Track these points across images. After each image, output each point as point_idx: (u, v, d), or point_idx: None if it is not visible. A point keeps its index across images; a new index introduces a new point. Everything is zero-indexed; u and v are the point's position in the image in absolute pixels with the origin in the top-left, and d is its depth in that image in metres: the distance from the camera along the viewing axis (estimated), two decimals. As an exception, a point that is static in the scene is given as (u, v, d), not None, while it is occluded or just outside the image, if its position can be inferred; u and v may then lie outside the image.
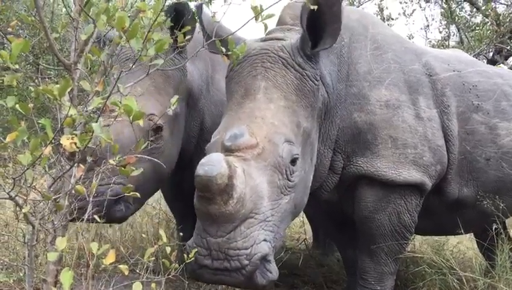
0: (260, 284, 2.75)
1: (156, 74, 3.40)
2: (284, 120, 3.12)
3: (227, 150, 2.88)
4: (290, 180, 3.02)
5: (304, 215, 5.95)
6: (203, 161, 2.72)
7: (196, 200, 2.79)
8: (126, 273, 2.31)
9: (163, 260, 2.72)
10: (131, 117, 2.03)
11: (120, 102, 2.07)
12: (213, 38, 2.98)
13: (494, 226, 3.93)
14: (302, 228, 6.03)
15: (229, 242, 2.69)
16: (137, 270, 2.73)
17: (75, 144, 1.94)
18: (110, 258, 2.22)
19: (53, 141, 2.05)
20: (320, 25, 3.22)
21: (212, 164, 2.64)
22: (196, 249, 2.74)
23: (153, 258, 2.62)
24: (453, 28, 12.97)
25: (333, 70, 3.63)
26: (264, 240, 2.78)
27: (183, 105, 4.11)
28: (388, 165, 3.58)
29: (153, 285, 2.40)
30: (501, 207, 3.90)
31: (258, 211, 2.79)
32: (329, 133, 3.60)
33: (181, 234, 4.41)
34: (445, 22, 12.89)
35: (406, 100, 3.72)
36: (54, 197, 2.33)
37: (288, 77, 3.27)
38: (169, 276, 2.76)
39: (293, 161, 3.04)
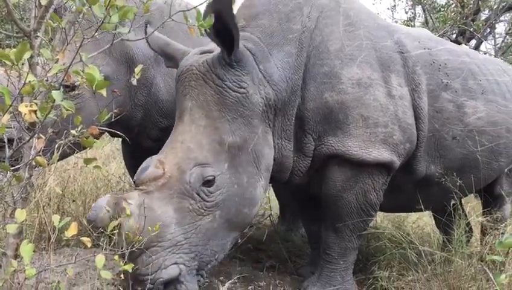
0: None
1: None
2: (201, 142, 3.16)
3: (135, 185, 3.09)
4: (207, 201, 3.10)
5: (271, 192, 6.01)
6: (93, 205, 2.92)
7: None
8: (89, 245, 2.29)
9: (126, 232, 2.70)
10: (94, 86, 1.98)
11: (82, 71, 2.02)
12: (179, 10, 2.91)
13: (452, 202, 4.03)
14: (267, 205, 6.08)
15: (135, 269, 2.82)
16: (100, 243, 2.69)
17: (35, 113, 1.88)
18: (72, 230, 2.19)
19: (11, 110, 1.98)
20: (226, 31, 3.08)
21: (94, 210, 2.86)
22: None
23: (116, 231, 2.60)
24: (418, 9, 13.17)
25: (288, 62, 3.56)
26: (175, 263, 2.98)
27: (123, 70, 4.10)
28: (359, 145, 3.59)
29: (116, 257, 2.38)
30: (458, 184, 4.00)
31: (163, 239, 2.94)
32: (284, 126, 3.57)
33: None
34: (412, 2, 13.05)
35: (378, 78, 3.71)
36: (12, 169, 2.27)
37: (208, 93, 3.23)
38: (133, 249, 2.74)
39: (208, 182, 3.10)
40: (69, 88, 3.63)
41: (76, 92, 3.62)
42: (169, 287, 3.00)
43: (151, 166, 3.09)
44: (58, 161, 3.83)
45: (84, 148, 3.89)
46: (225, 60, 3.24)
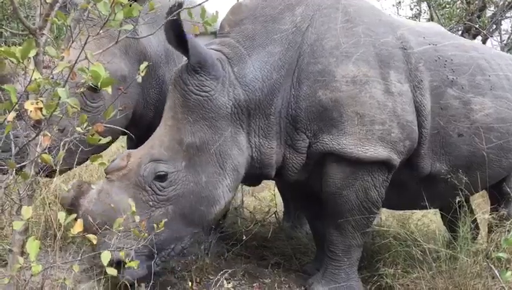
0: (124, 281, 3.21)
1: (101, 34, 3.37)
2: (164, 140, 3.42)
3: (105, 174, 3.39)
4: (159, 195, 3.32)
5: (275, 189, 6.01)
6: None
7: None
8: (95, 242, 2.30)
9: (132, 229, 2.71)
10: (99, 84, 1.98)
11: (87, 68, 2.02)
12: (184, 7, 2.92)
13: (458, 199, 4.00)
14: (272, 201, 6.08)
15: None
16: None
17: (41, 110, 1.88)
18: (78, 227, 2.20)
19: (17, 107, 1.99)
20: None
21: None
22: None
23: (122, 227, 2.61)
24: (424, 5, 13.07)
25: (267, 62, 3.59)
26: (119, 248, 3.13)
27: (137, 69, 4.07)
28: (354, 142, 3.57)
29: (122, 254, 2.39)
30: (464, 181, 3.97)
31: (113, 224, 3.08)
32: (262, 124, 3.61)
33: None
34: (417, -1, 12.97)
35: (375, 75, 3.66)
36: (18, 166, 2.27)
37: (176, 97, 3.47)
38: (139, 245, 2.75)
39: (160, 177, 3.31)
40: (92, 89, 3.62)
41: (96, 93, 3.66)
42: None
43: (118, 158, 3.39)
44: (75, 166, 3.86)
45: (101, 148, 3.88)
46: (190, 66, 3.41)
